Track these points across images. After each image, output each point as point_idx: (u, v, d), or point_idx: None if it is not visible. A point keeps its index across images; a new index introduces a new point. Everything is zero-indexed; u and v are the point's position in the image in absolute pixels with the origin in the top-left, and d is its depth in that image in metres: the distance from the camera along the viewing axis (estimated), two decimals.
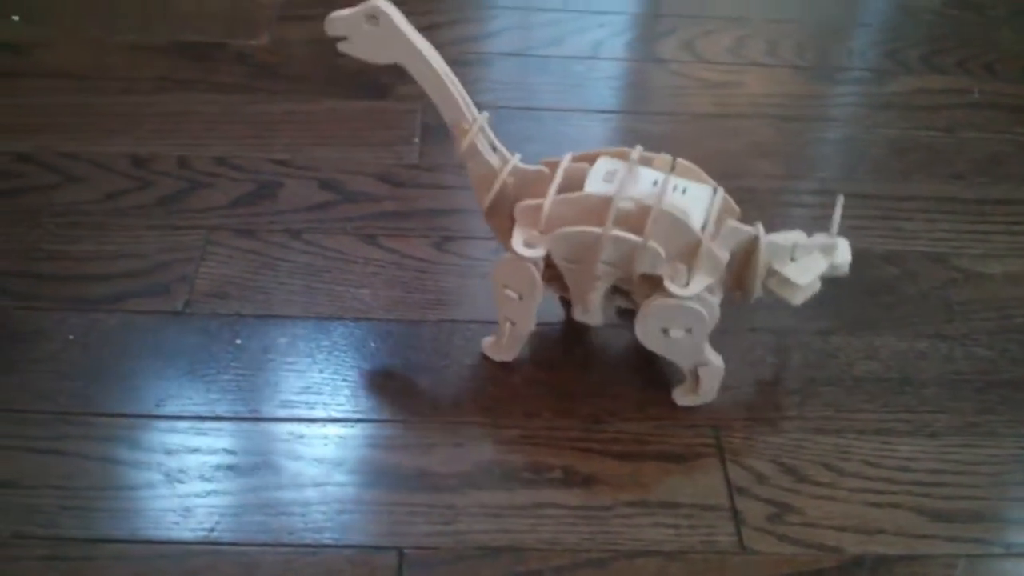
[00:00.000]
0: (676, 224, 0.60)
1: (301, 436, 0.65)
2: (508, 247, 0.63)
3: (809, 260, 0.64)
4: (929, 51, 1.04)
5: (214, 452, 0.64)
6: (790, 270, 0.64)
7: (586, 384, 0.69)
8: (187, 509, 0.61)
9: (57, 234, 0.77)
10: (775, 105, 0.96)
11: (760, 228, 0.63)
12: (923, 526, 0.62)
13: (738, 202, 0.65)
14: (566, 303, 0.72)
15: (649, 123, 0.93)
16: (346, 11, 0.61)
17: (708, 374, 0.66)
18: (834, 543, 0.61)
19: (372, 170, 0.85)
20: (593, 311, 0.66)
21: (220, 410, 0.66)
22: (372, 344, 0.71)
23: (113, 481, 0.62)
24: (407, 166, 0.85)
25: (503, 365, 0.70)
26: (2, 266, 0.74)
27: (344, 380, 0.69)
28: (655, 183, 0.62)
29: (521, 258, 0.62)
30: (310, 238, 0.78)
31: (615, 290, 0.66)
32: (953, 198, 0.87)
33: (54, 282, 0.74)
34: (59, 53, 0.96)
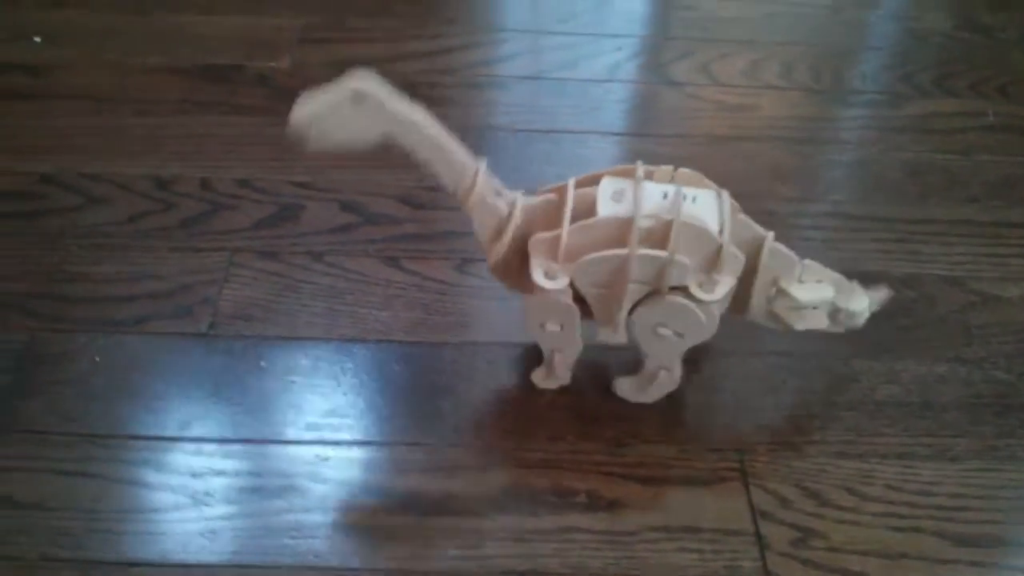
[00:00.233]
0: (698, 234, 0.60)
1: (326, 459, 0.65)
2: (524, 288, 0.63)
3: (816, 286, 0.65)
4: (941, 74, 1.05)
5: (240, 474, 0.64)
6: (794, 288, 0.64)
7: (608, 407, 0.70)
8: (213, 532, 0.61)
9: (81, 256, 0.78)
10: (791, 128, 0.97)
11: (771, 234, 0.63)
12: (945, 550, 0.63)
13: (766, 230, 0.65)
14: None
15: (667, 146, 0.94)
16: (320, 101, 0.55)
17: (667, 380, 0.67)
18: (858, 568, 0.61)
19: (393, 192, 0.85)
20: (621, 330, 0.66)
21: (246, 432, 0.66)
22: (395, 367, 0.71)
23: (139, 504, 0.62)
24: (427, 188, 0.86)
25: (526, 388, 0.70)
26: (27, 288, 0.75)
27: (367, 403, 0.69)
28: (665, 196, 0.62)
29: (549, 292, 0.61)
30: (332, 260, 0.79)
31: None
32: (969, 221, 0.87)
33: (78, 304, 0.74)
34: (80, 74, 0.97)
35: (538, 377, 0.70)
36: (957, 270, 0.82)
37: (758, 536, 0.62)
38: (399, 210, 0.84)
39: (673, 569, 0.61)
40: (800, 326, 0.66)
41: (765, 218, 0.65)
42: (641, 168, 0.63)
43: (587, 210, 0.62)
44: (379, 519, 0.62)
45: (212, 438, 0.66)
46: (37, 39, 1.02)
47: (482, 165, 0.61)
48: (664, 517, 0.63)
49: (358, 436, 0.67)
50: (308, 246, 0.80)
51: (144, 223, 0.81)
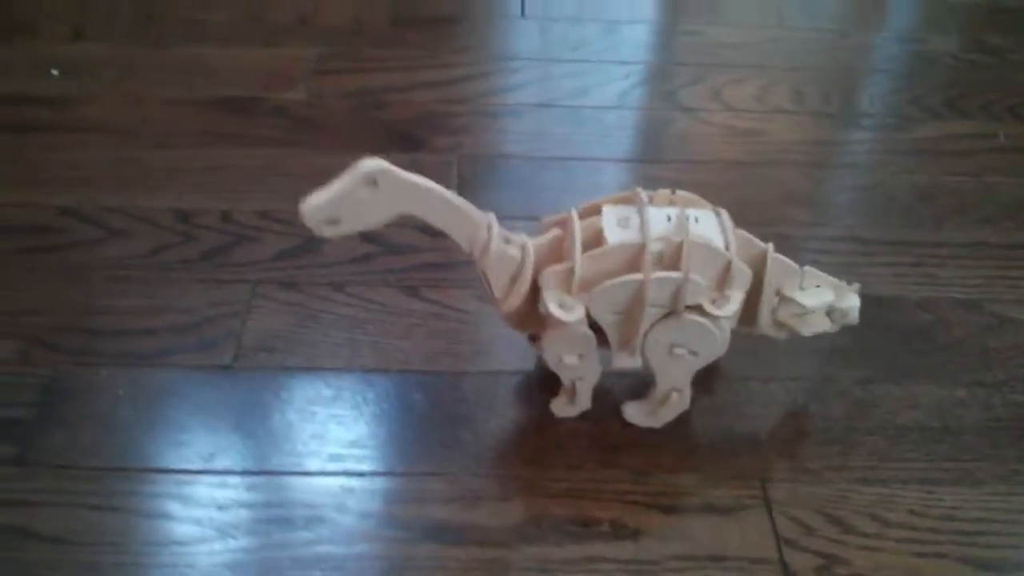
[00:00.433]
0: (708, 252, 0.61)
1: (351, 490, 0.66)
2: (537, 327, 0.64)
3: (817, 290, 0.66)
4: (951, 96, 1.06)
5: (265, 506, 0.64)
6: (799, 295, 0.66)
7: (627, 435, 0.70)
8: (240, 565, 0.61)
9: (103, 289, 0.79)
10: (803, 152, 0.98)
11: (770, 245, 0.65)
12: None
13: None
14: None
15: (680, 171, 0.94)
16: (334, 190, 0.56)
17: (678, 401, 0.68)
18: None
19: (412, 221, 0.85)
20: (637, 354, 0.67)
21: (270, 464, 0.67)
22: (415, 396, 0.72)
23: (165, 537, 0.62)
24: None
25: (546, 416, 0.70)
26: (50, 322, 0.76)
27: (389, 433, 0.69)
28: (669, 218, 0.63)
29: (567, 323, 0.62)
30: (353, 291, 0.80)
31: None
32: (983, 243, 0.87)
33: (102, 337, 0.75)
34: (99, 107, 0.98)
35: (558, 406, 0.71)
36: (973, 293, 0.83)
37: (783, 564, 0.63)
38: (419, 240, 0.85)
39: None
40: (807, 332, 0.67)
41: (778, 242, 0.66)
42: (644, 193, 0.65)
43: (594, 240, 0.63)
44: (404, 550, 0.62)
45: (237, 470, 0.66)
46: (55, 72, 1.03)
47: (492, 218, 0.62)
48: (688, 546, 0.63)
49: (381, 467, 0.67)
50: (329, 277, 0.81)
51: (166, 255, 0.82)
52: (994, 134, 1.01)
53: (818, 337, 0.67)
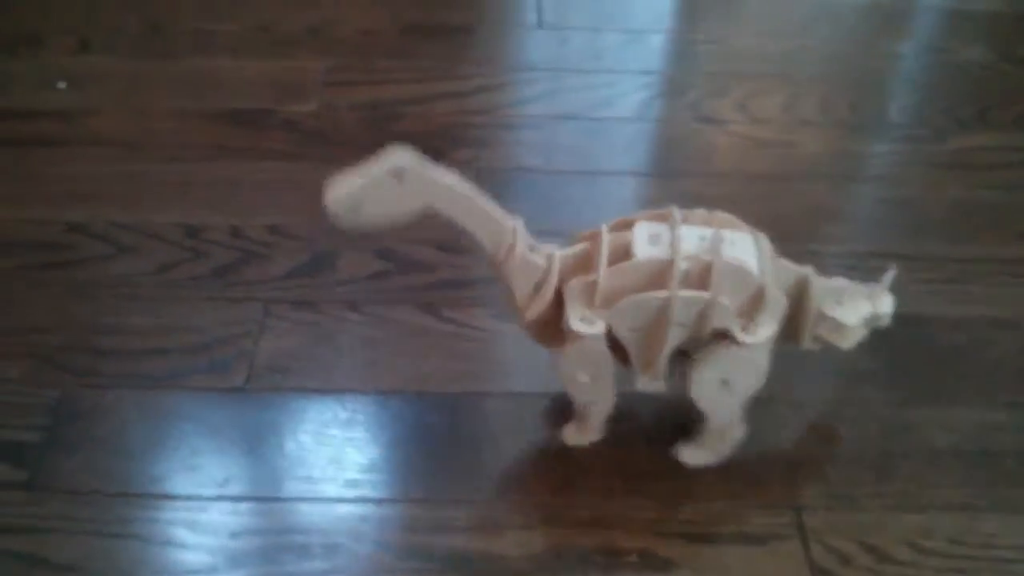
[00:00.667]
0: (739, 275, 0.59)
1: (367, 517, 0.63)
2: (558, 341, 0.62)
3: (854, 304, 0.64)
4: (983, 107, 1.03)
5: (279, 533, 0.62)
6: (838, 312, 0.64)
7: (656, 461, 0.67)
8: None
9: (113, 307, 0.77)
10: (831, 164, 0.95)
11: (810, 269, 0.62)
12: None
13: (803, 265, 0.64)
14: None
15: (708, 185, 0.92)
16: (359, 180, 0.55)
17: (732, 436, 0.66)
18: None
19: (427, 237, 0.83)
20: (661, 377, 0.64)
21: (285, 490, 0.64)
22: (434, 418, 0.69)
23: (177, 566, 0.60)
24: None
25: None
26: (59, 340, 0.74)
27: (407, 457, 0.67)
28: (702, 238, 0.60)
29: (587, 337, 0.60)
30: (369, 309, 0.77)
31: (678, 352, 0.64)
32: (1020, 259, 0.85)
33: (112, 357, 0.73)
34: (107, 121, 0.96)
35: (569, 433, 0.68)
36: (1008, 311, 0.80)
37: None
38: (435, 256, 0.82)
39: None
40: (846, 345, 0.65)
41: (809, 258, 0.64)
42: (678, 212, 0.62)
43: (622, 254, 0.61)
44: None
45: (250, 496, 0.64)
46: (62, 85, 1.01)
47: (519, 223, 0.60)
48: None
49: (399, 493, 0.65)
50: (344, 295, 0.79)
51: (175, 273, 0.80)
52: None
53: (850, 358, 0.65)
